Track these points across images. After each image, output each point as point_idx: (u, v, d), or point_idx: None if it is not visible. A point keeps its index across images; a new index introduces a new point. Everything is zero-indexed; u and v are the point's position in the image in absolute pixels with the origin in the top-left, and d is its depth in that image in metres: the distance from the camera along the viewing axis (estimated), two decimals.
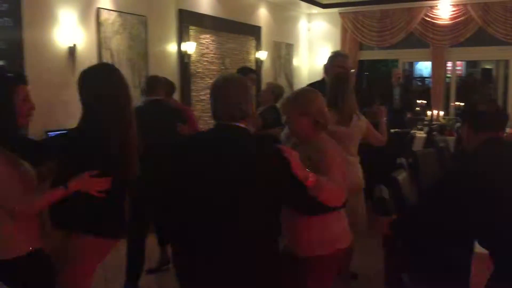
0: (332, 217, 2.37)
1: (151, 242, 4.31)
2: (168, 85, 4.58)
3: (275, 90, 5.58)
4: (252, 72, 5.59)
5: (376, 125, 3.77)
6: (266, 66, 8.94)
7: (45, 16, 4.92)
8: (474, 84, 9.20)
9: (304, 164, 2.02)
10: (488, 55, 9.86)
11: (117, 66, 5.59)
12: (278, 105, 5.49)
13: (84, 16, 5.32)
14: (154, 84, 4.10)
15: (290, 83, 9.66)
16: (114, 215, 2.40)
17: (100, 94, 2.38)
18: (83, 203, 2.29)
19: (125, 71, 5.81)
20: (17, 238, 2.16)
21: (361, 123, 3.52)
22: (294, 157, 1.98)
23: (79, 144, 2.32)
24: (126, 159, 2.37)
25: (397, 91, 8.71)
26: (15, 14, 4.65)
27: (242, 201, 1.97)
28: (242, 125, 2.07)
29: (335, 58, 4.01)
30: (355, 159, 3.61)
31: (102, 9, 5.52)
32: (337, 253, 2.39)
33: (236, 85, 2.10)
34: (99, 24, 5.48)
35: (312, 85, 4.14)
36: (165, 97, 4.31)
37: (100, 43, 5.49)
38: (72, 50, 5.11)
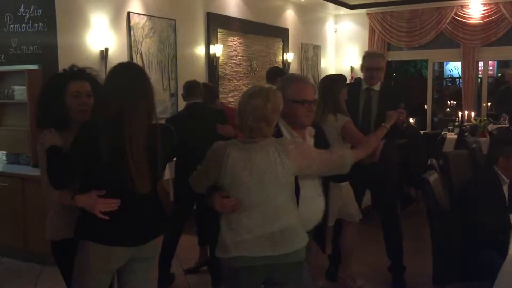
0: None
1: (186, 242, 4.34)
2: (210, 89, 4.55)
3: None
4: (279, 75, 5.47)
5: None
6: (293, 68, 8.93)
7: (78, 21, 5.04)
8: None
9: None
10: None
11: (147, 69, 5.80)
12: None
13: (115, 21, 5.44)
14: (191, 88, 4.08)
15: (316, 84, 9.62)
16: (118, 222, 2.21)
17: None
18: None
19: (155, 74, 5.93)
20: (57, 224, 2.42)
21: (337, 124, 3.51)
22: None
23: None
24: (125, 170, 2.17)
25: None
26: (49, 19, 4.79)
27: None
28: None
29: (363, 59, 3.99)
30: None
31: (133, 13, 5.62)
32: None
33: None
34: (129, 28, 5.59)
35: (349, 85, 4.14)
36: (209, 101, 4.31)
37: (131, 47, 5.60)
38: (104, 54, 5.22)
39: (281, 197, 2.23)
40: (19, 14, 4.90)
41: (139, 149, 2.17)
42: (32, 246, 4.45)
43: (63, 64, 4.76)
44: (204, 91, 4.26)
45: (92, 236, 2.21)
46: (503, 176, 3.28)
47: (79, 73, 2.49)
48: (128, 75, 2.25)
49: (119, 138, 2.14)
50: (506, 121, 7.49)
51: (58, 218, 2.41)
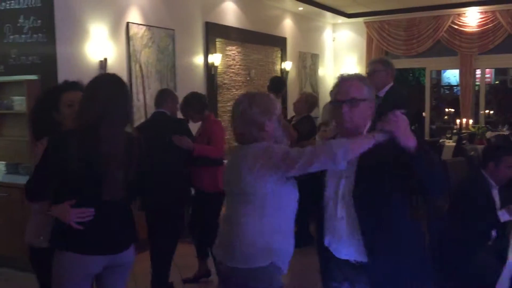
0: None
1: (184, 250, 4.33)
2: (198, 99, 4.30)
3: (309, 100, 5.42)
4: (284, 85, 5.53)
5: None
6: (291, 76, 8.97)
7: (77, 31, 5.07)
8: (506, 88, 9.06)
9: None
10: None
11: (146, 78, 5.82)
12: (312, 114, 5.47)
13: (114, 31, 5.46)
14: (158, 97, 4.05)
15: (316, 93, 9.66)
16: (94, 231, 2.25)
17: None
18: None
19: (154, 84, 5.95)
20: (36, 231, 2.46)
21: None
22: None
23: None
24: (99, 178, 2.23)
25: None
26: (48, 30, 4.81)
27: None
28: None
29: None
30: None
31: (132, 24, 5.65)
32: None
33: None
34: (128, 38, 5.61)
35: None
36: (197, 111, 4.26)
37: (130, 57, 5.62)
38: (103, 64, 5.24)
39: (234, 206, 2.16)
40: (18, 25, 4.93)
41: (116, 156, 2.25)
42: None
43: (62, 74, 4.80)
44: (193, 101, 4.23)
45: (68, 246, 2.25)
46: (491, 180, 3.32)
47: (71, 85, 2.62)
48: (106, 84, 2.37)
49: (94, 146, 2.21)
50: (505, 128, 7.53)
51: (38, 225, 2.46)
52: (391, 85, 3.86)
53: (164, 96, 4.06)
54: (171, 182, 3.78)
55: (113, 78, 2.42)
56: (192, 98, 4.25)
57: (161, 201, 3.75)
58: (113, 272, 2.40)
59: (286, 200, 2.14)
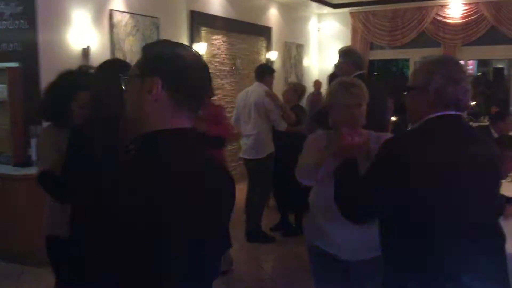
0: None
1: None
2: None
3: (298, 89, 5.64)
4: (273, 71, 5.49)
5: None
6: (276, 67, 8.93)
7: (59, 18, 4.98)
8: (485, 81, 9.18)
9: None
10: (500, 54, 9.79)
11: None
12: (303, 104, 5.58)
13: (97, 18, 5.38)
14: None
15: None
16: None
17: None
18: None
19: None
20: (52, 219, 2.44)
21: None
22: None
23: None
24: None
25: None
26: (30, 16, 4.73)
27: None
28: None
29: None
30: None
31: (115, 11, 5.57)
32: None
33: None
34: (112, 25, 5.54)
35: None
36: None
37: (113, 45, 5.55)
38: (86, 52, 5.17)
39: None
40: None
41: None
42: (13, 247, 4.38)
43: (44, 61, 4.72)
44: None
45: None
46: None
47: (84, 84, 2.48)
48: (116, 70, 2.24)
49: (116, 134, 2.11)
50: (486, 119, 7.63)
51: (53, 213, 2.42)
52: (356, 74, 3.81)
53: None
54: None
55: (121, 62, 2.36)
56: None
57: None
58: None
59: None
